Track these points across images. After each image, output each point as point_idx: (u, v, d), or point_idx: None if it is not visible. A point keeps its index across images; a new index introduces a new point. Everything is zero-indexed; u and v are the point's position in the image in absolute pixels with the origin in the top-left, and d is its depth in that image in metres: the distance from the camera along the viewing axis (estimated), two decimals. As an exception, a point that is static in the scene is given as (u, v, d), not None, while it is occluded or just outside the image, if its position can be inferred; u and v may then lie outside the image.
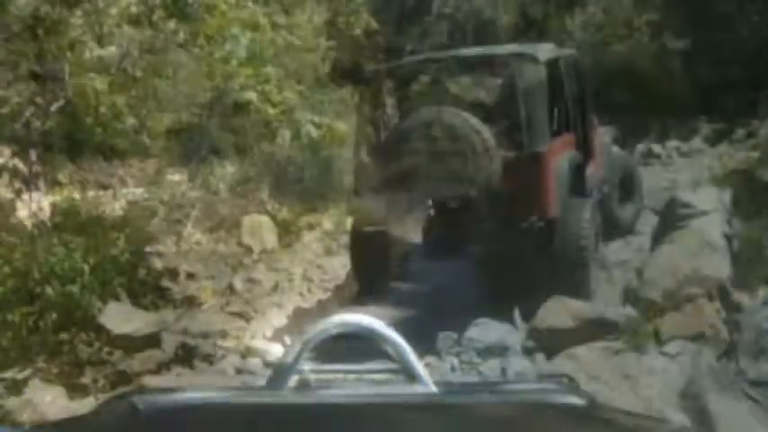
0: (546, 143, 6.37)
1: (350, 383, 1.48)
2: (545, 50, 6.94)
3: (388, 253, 6.88)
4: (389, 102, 7.64)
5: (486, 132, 6.14)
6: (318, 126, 5.69)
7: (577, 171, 6.84)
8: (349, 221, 9.69)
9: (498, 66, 7.78)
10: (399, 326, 1.67)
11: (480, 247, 6.62)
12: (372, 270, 6.94)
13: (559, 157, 6.54)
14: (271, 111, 5.48)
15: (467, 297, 6.65)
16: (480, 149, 6.05)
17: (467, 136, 6.08)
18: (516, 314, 6.40)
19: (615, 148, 8.64)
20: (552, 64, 7.01)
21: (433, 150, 6.23)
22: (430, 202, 6.32)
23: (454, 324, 6.38)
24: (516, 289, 6.62)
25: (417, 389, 1.35)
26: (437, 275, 7.09)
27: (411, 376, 1.50)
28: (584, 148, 7.45)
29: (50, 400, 5.96)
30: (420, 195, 6.28)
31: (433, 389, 1.34)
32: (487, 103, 8.29)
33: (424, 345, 5.89)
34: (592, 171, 7.45)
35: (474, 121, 6.17)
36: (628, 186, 8.59)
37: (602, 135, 8.29)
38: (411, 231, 6.50)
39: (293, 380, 1.56)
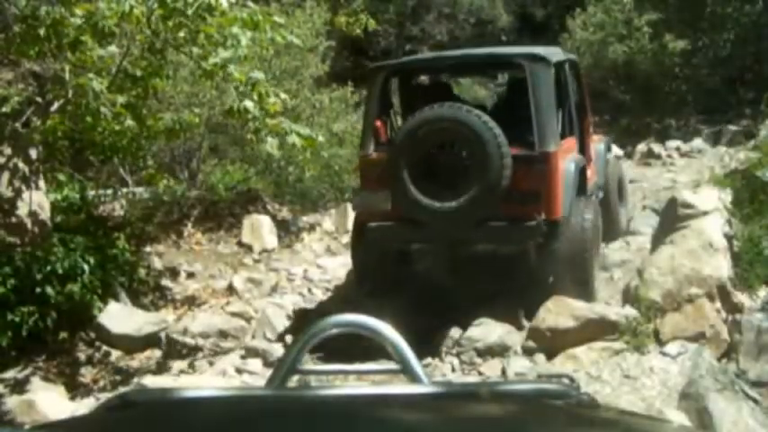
0: (557, 143, 6.37)
1: (350, 383, 1.48)
2: (553, 54, 6.96)
3: (392, 249, 6.86)
4: (396, 98, 7.70)
5: (498, 130, 6.09)
6: (301, 136, 5.71)
7: (581, 173, 6.86)
8: (350, 220, 9.78)
9: (503, 67, 7.70)
10: (400, 324, 1.66)
11: (486, 245, 6.67)
12: (374, 266, 6.91)
13: (567, 158, 6.57)
14: (269, 120, 5.50)
15: (471, 296, 6.65)
16: (493, 147, 6.04)
17: (481, 133, 6.06)
18: (521, 314, 6.43)
19: (614, 153, 8.72)
20: (559, 67, 7.02)
21: (446, 147, 6.32)
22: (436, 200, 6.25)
23: (457, 323, 6.39)
24: (521, 288, 6.64)
25: (417, 389, 1.35)
26: (442, 272, 7.10)
27: (411, 376, 1.50)
28: (583, 152, 7.47)
29: (50, 400, 5.96)
30: (431, 191, 6.25)
31: (433, 389, 1.34)
32: (489, 104, 8.35)
33: (426, 344, 5.90)
34: (590, 176, 7.47)
35: (486, 118, 6.14)
36: (620, 190, 8.78)
37: (597, 142, 8.36)
38: (416, 227, 6.45)
39: (293, 380, 1.56)
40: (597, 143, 8.31)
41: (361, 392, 1.31)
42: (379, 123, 6.90)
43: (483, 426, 1.10)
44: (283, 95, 5.95)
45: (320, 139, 6.20)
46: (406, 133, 6.36)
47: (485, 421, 1.12)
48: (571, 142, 6.98)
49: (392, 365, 1.56)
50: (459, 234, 6.39)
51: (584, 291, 6.37)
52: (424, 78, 8.47)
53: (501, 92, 8.58)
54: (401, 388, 1.32)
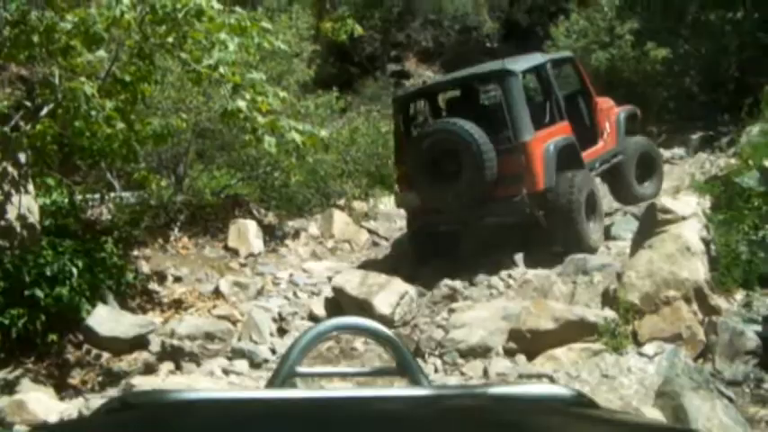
0: (530, 134, 7.96)
1: (349, 385, 1.49)
2: (524, 62, 8.59)
3: (432, 231, 8.70)
4: (420, 114, 9.40)
5: (480, 133, 7.86)
6: (301, 133, 5.81)
7: (569, 150, 8.28)
8: (335, 225, 10.02)
9: (485, 81, 9.25)
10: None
11: (490, 218, 8.36)
12: (422, 244, 8.88)
13: (546, 143, 8.04)
14: (260, 120, 5.58)
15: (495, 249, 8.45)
16: (474, 146, 7.80)
17: (463, 137, 7.85)
18: (519, 257, 8.20)
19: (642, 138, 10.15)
20: (536, 70, 8.71)
21: (445, 151, 8.00)
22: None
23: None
24: (521, 242, 8.45)
25: (416, 391, 1.37)
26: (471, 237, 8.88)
27: (410, 378, 1.55)
28: (590, 129, 9.18)
29: (40, 400, 6.00)
30: (439, 185, 8.09)
31: (432, 390, 1.36)
32: (489, 108, 9.52)
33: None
34: (599, 147, 9.18)
35: (469, 126, 7.90)
36: (648, 165, 9.93)
37: (616, 114, 9.67)
38: (439, 213, 8.41)
39: (292, 380, 1.60)
40: (615, 115, 9.68)
41: (361, 394, 1.30)
42: (404, 140, 8.84)
43: (480, 426, 1.09)
44: (282, 93, 6.07)
45: (323, 133, 6.42)
46: (414, 147, 8.36)
47: (484, 423, 1.12)
48: (560, 127, 8.39)
49: (390, 366, 1.58)
50: (465, 213, 8.19)
51: (575, 239, 7.98)
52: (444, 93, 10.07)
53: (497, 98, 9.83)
54: (400, 390, 1.33)
